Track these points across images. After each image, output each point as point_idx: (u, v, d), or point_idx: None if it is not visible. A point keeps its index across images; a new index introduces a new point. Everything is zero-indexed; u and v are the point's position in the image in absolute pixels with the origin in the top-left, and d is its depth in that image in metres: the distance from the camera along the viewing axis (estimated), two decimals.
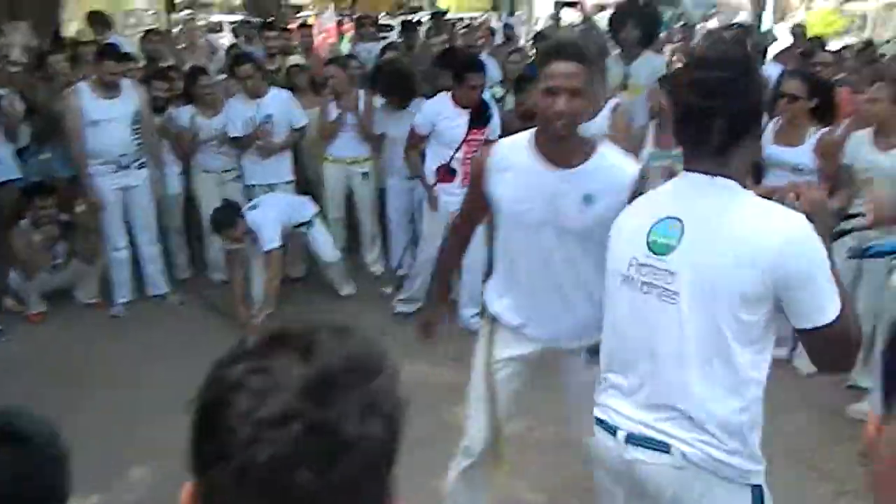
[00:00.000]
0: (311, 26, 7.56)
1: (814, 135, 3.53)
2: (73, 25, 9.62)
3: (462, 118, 4.09)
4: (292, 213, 4.50)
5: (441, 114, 4.11)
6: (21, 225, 4.45)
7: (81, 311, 4.69)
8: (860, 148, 3.42)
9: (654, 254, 1.51)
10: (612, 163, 2.04)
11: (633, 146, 3.93)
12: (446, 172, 4.18)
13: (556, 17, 6.40)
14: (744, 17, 16.99)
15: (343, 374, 0.61)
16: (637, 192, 1.88)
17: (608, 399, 1.64)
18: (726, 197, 1.48)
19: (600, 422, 1.65)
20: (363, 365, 0.64)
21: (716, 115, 1.43)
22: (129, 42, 8.37)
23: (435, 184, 4.22)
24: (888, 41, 10.70)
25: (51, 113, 4.81)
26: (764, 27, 10.87)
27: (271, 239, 4.23)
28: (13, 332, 4.34)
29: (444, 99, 4.19)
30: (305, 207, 4.61)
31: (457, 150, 4.12)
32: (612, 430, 1.61)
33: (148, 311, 4.67)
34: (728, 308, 1.42)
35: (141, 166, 4.53)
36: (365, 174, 4.93)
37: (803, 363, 3.76)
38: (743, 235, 1.43)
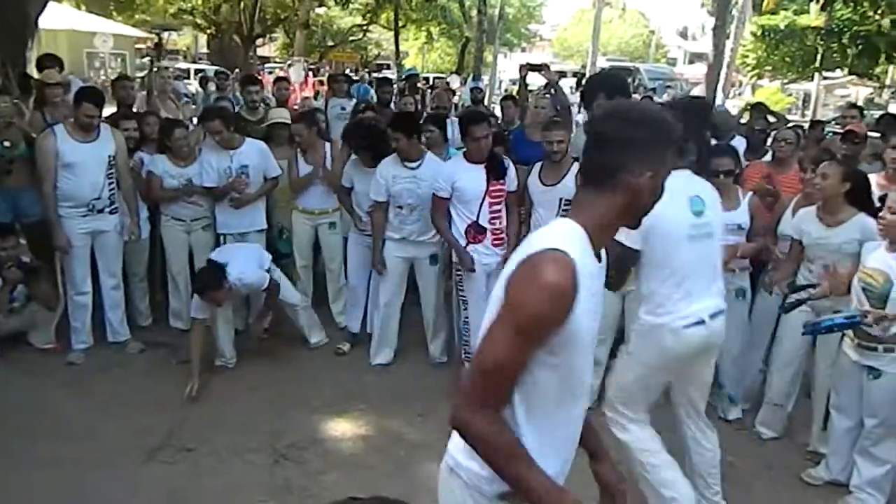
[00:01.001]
0: (287, 79, 7.67)
1: (744, 198, 3.77)
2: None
3: (479, 173, 4.14)
4: (257, 260, 4.50)
5: (457, 173, 4.15)
6: None
7: (36, 357, 4.53)
8: (808, 223, 3.59)
9: (697, 217, 2.72)
10: None
11: None
12: (476, 231, 4.18)
13: (522, 81, 6.58)
14: (697, 92, 17.89)
15: None
16: None
17: (686, 308, 2.71)
18: (700, 180, 2.84)
19: (688, 325, 2.71)
20: None
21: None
22: (82, 83, 8.36)
23: (466, 245, 4.19)
24: (833, 120, 11.36)
25: None
26: (717, 102, 11.45)
27: (262, 278, 4.35)
28: None
29: (457, 159, 4.28)
30: (262, 254, 4.60)
31: (481, 205, 4.14)
32: (700, 322, 2.72)
33: (106, 358, 4.53)
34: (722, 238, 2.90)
35: (113, 211, 4.47)
36: (332, 224, 4.98)
37: (765, 429, 3.91)
38: (717, 200, 2.89)
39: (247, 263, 4.32)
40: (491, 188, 4.16)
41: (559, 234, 1.47)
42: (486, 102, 13.55)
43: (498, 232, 4.26)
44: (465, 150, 4.25)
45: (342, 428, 3.89)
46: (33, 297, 4.50)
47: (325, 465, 3.52)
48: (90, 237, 4.42)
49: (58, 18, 15.42)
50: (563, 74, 23.59)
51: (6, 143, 4.62)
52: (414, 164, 4.32)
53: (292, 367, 4.60)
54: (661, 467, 2.87)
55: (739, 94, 26.45)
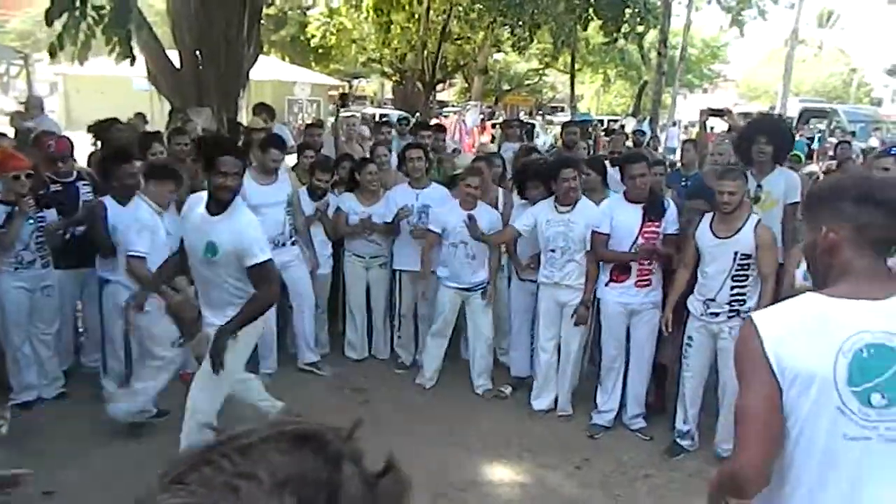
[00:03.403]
0: (443, 128, 8.00)
1: None
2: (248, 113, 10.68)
3: (634, 211, 4.13)
4: None
5: (614, 210, 4.20)
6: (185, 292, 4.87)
7: None
8: None
9: None
10: None
11: (775, 261, 3.82)
12: (620, 270, 4.17)
13: (703, 126, 6.34)
14: None
15: None
16: None
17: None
18: None
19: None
20: None
21: None
22: (288, 129, 9.24)
23: (608, 282, 4.21)
24: None
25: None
26: None
27: None
28: (167, 389, 4.66)
29: (617, 197, 4.31)
30: None
31: (632, 245, 4.12)
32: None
33: (290, 380, 4.86)
34: None
35: (293, 244, 4.86)
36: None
37: None
38: None
39: None
40: (644, 229, 4.07)
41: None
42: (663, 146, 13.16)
43: (645, 273, 4.12)
44: (625, 189, 4.23)
45: (500, 472, 3.87)
46: None
47: None
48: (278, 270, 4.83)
49: (265, 70, 17.22)
50: (748, 116, 22.30)
51: None
52: (566, 209, 4.33)
53: (456, 406, 4.68)
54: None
55: None
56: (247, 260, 3.22)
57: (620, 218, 4.15)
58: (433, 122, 12.08)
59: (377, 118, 14.43)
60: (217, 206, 3.26)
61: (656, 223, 4.13)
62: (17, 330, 4.22)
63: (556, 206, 4.39)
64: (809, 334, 1.50)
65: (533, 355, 4.83)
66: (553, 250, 4.38)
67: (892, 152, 5.41)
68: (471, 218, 4.53)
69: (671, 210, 4.21)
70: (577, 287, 4.35)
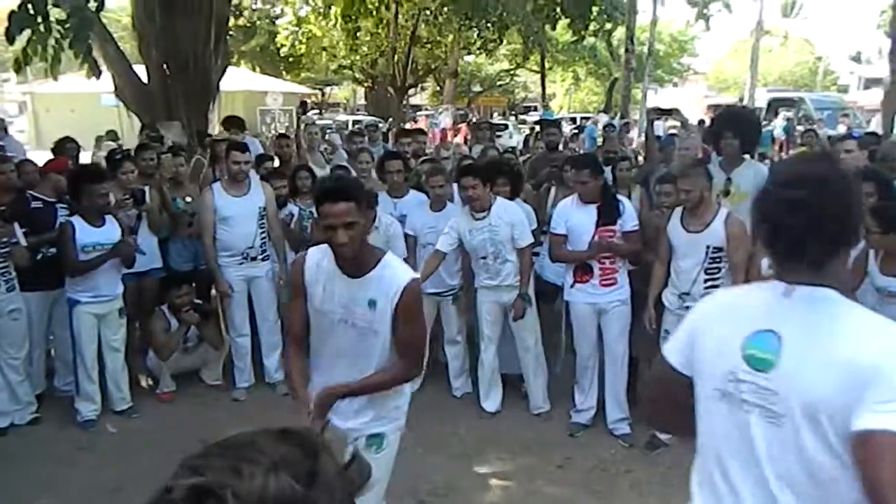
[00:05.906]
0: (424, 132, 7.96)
1: None
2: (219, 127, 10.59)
3: (589, 213, 4.13)
4: None
5: (569, 212, 4.20)
6: (160, 310, 4.83)
7: (206, 392, 4.94)
8: None
9: (754, 370, 1.42)
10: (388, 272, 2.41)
11: (748, 253, 3.83)
12: (583, 271, 4.18)
13: (650, 126, 6.42)
14: (877, 121, 16.31)
15: None
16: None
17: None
18: (827, 310, 1.39)
19: None
20: None
21: (805, 232, 1.39)
22: (260, 141, 9.16)
23: (573, 284, 4.22)
24: None
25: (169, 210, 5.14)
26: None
27: None
28: (143, 410, 4.62)
29: (572, 198, 4.28)
30: None
31: (589, 245, 4.12)
32: None
33: (266, 395, 4.85)
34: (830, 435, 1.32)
35: (265, 258, 4.81)
36: None
37: None
38: (848, 358, 1.30)
39: None
40: (600, 230, 4.10)
41: None
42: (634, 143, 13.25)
43: (608, 272, 4.14)
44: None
45: (481, 476, 3.87)
46: (203, 338, 4.94)
47: None
48: (246, 283, 4.78)
49: (235, 81, 17.06)
50: (717, 108, 22.56)
51: (188, 199, 5.14)
52: (482, 215, 4.27)
53: (434, 411, 4.67)
54: None
55: None
56: None
57: (575, 219, 4.15)
58: (408, 126, 12.05)
59: (350, 125, 14.37)
60: None
61: (610, 225, 4.13)
62: None
63: (471, 214, 4.32)
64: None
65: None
66: (484, 257, 4.36)
67: (855, 136, 5.52)
68: None
69: (627, 210, 4.19)
70: (517, 285, 4.35)
